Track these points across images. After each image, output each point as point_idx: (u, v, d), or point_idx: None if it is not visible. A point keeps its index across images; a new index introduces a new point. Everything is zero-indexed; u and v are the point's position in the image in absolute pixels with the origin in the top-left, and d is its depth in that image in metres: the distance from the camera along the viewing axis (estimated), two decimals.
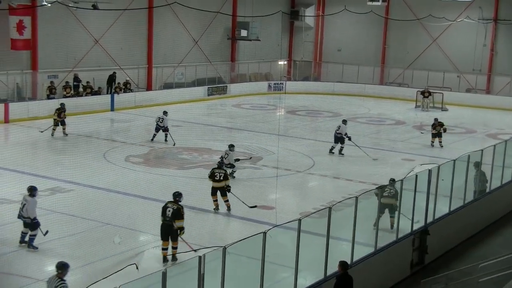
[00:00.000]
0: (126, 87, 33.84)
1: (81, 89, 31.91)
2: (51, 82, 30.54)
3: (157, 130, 24.84)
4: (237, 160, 20.14)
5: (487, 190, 17.62)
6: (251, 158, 21.73)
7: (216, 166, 17.49)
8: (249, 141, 25.97)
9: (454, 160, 15.53)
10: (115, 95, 32.37)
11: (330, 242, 11.14)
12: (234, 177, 19.61)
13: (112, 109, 31.87)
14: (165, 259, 13.01)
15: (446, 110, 36.86)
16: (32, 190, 13.87)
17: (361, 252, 12.33)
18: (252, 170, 21.23)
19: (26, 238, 13.65)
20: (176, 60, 37.56)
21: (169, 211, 13.14)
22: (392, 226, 13.95)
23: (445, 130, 26.21)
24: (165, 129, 24.73)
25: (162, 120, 24.71)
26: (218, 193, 16.56)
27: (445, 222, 15.10)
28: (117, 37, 33.86)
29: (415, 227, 13.90)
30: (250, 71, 42.77)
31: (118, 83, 33.29)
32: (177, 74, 37.71)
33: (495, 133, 30.05)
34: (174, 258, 13.08)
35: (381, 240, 12.81)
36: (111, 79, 33.25)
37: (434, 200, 14.60)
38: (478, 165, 17.10)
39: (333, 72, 44.28)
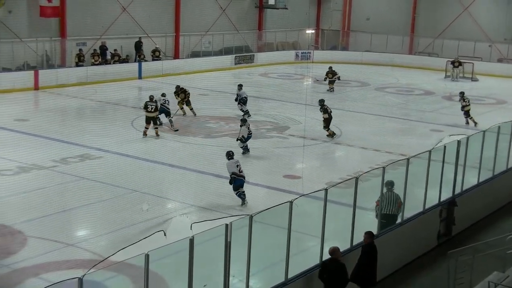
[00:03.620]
0: (154, 55, 33.90)
1: (108, 57, 32.04)
2: (80, 50, 30.71)
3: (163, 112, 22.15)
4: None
5: None
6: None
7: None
8: (276, 111, 25.90)
9: (484, 131, 15.31)
10: (143, 63, 32.46)
11: (357, 212, 11.12)
12: (245, 152, 18.88)
13: (140, 77, 31.98)
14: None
15: (476, 80, 36.26)
16: None
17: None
18: (279, 140, 21.22)
19: None
20: (203, 28, 37.43)
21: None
22: None
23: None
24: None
25: (168, 103, 22.56)
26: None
27: (473, 193, 14.97)
28: (144, 5, 33.83)
29: (442, 198, 13.80)
30: (277, 40, 42.45)
31: (142, 50, 33.27)
32: (204, 42, 37.61)
33: None
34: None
35: (408, 210, 12.76)
36: (138, 45, 33.30)
37: (463, 171, 14.45)
38: None
39: (361, 41, 43.73)
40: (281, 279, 9.67)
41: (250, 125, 19.31)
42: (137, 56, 33.12)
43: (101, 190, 15.25)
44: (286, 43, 43.01)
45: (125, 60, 32.64)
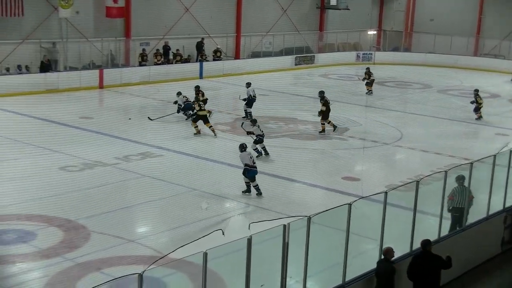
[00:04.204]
0: (216, 55, 34.23)
1: (171, 57, 32.55)
2: (143, 50, 31.31)
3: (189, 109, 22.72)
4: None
5: None
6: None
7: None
8: (336, 112, 25.69)
9: None
10: (204, 63, 32.82)
11: (417, 217, 10.93)
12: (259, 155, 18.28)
13: (201, 77, 32.34)
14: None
15: None
16: None
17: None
18: (339, 141, 21.07)
19: None
20: (264, 29, 37.54)
21: None
22: None
23: None
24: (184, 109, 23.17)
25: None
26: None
27: None
28: (207, 5, 34.19)
29: (507, 204, 13.40)
30: (338, 41, 42.16)
31: (203, 50, 33.65)
32: (265, 43, 37.72)
33: None
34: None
35: (472, 216, 12.46)
36: (199, 46, 33.70)
37: None
38: None
39: (424, 43, 42.90)
40: (339, 281, 9.60)
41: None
42: (199, 56, 33.52)
43: (161, 188, 15.50)
44: (347, 44, 42.66)
45: (187, 60, 33.08)
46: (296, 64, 37.88)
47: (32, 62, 27.35)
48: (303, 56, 38.63)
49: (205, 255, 7.60)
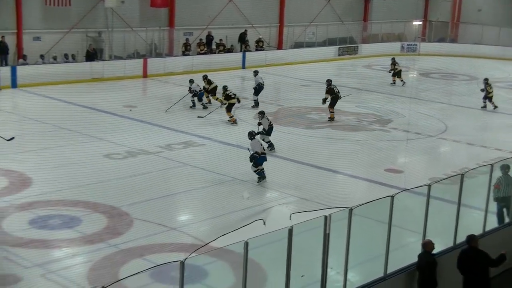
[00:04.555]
0: (258, 45, 34.22)
1: (214, 47, 32.67)
2: (187, 39, 31.51)
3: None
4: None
5: None
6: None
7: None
8: (379, 103, 25.48)
9: None
10: (247, 53, 32.86)
11: (461, 210, 10.75)
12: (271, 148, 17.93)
13: (244, 67, 32.38)
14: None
15: None
16: None
17: (495, 222, 11.84)
18: (381, 133, 20.86)
19: None
20: (307, 19, 37.33)
21: None
22: None
23: None
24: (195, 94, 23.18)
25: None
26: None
27: None
28: None
29: None
30: (382, 31, 41.64)
31: (247, 40, 33.67)
32: (308, 33, 37.52)
33: None
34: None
35: None
36: (242, 37, 33.73)
37: None
38: None
39: (471, 34, 42.00)
40: (380, 273, 9.52)
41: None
42: (243, 46, 33.57)
43: (203, 176, 15.61)
44: (392, 34, 42.10)
45: (230, 50, 33.16)
46: (339, 55, 37.59)
47: (78, 51, 27.81)
48: (347, 46, 38.31)
49: (246, 244, 7.62)
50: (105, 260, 11.04)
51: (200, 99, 22.94)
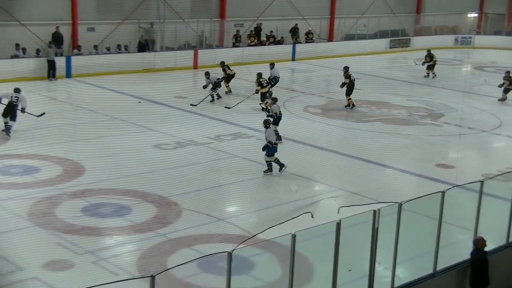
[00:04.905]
0: (308, 37, 34.06)
1: (264, 38, 32.67)
2: (237, 31, 31.59)
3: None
4: None
5: None
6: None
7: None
8: (431, 97, 25.06)
9: None
10: (297, 45, 32.75)
11: None
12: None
13: (293, 59, 32.29)
14: None
15: None
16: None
17: None
18: (433, 127, 20.51)
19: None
20: (359, 11, 36.94)
21: None
22: None
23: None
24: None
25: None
26: None
27: None
28: None
29: None
30: (436, 24, 40.86)
31: (298, 33, 33.52)
32: (359, 25, 37.12)
33: None
34: None
35: None
36: (294, 30, 33.63)
37: None
38: None
39: None
40: (429, 270, 9.39)
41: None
42: (294, 39, 33.48)
43: (252, 168, 15.65)
44: (445, 27, 41.26)
45: (280, 42, 33.10)
46: (390, 47, 37.09)
47: (131, 42, 28.23)
48: (399, 39, 37.75)
49: (294, 237, 7.61)
50: (154, 249, 11.20)
51: (215, 90, 22.52)
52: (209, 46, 30.75)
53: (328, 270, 8.26)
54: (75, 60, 25.57)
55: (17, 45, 25.00)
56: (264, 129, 15.52)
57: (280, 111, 17.80)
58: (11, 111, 17.30)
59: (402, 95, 24.16)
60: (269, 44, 32.38)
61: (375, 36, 37.18)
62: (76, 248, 11.00)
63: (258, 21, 32.73)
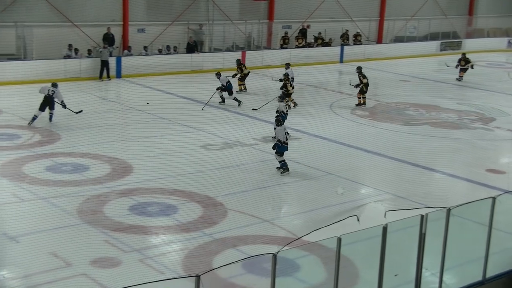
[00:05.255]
0: (356, 39, 33.81)
1: (312, 40, 32.57)
2: (285, 33, 31.58)
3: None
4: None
5: None
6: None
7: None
8: (482, 101, 24.55)
9: None
10: (345, 47, 32.55)
11: None
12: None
13: (341, 61, 32.10)
14: None
15: None
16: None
17: None
18: (483, 131, 20.09)
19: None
20: (409, 13, 36.47)
21: None
22: None
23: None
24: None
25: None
26: None
27: None
28: None
29: None
30: (488, 26, 40.00)
31: (347, 31, 33.32)
32: (409, 27, 36.64)
33: None
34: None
35: None
36: (343, 35, 33.44)
37: None
38: None
39: None
40: (478, 277, 9.20)
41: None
42: (342, 41, 33.32)
43: (298, 170, 15.60)
44: (499, 29, 40.35)
45: (328, 44, 32.94)
46: (441, 50, 36.48)
47: (179, 43, 28.53)
48: (449, 41, 37.10)
49: (339, 240, 7.57)
50: (199, 248, 11.28)
51: (230, 93, 21.97)
52: (257, 48, 30.84)
53: (374, 275, 8.18)
54: (125, 60, 25.99)
55: (69, 45, 25.57)
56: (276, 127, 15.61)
57: (287, 110, 18.21)
58: (49, 103, 18.56)
59: (452, 98, 23.75)
60: (317, 46, 32.27)
61: (425, 38, 36.63)
62: (123, 246, 11.17)
63: (306, 23, 32.66)
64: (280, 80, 21.96)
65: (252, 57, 29.13)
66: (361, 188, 14.94)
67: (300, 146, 17.58)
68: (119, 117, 19.89)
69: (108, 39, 26.37)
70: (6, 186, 13.61)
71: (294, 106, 21.57)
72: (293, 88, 21.78)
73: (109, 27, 26.68)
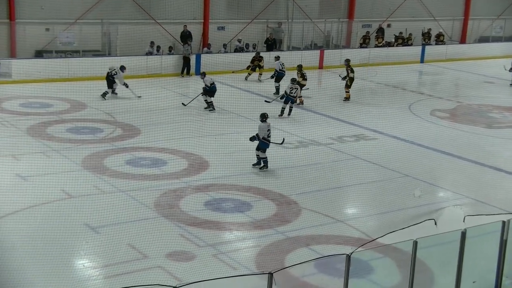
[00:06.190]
0: (439, 39, 33.01)
1: (392, 40, 32.04)
2: (367, 32, 31.23)
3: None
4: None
5: None
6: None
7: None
8: None
9: None
10: (427, 47, 31.85)
11: None
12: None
13: (422, 61, 31.43)
14: None
15: None
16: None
17: None
18: None
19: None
20: (495, 12, 35.26)
21: None
22: None
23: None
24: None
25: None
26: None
27: None
28: None
29: None
30: None
31: (429, 30, 32.55)
32: (495, 27, 35.43)
33: None
34: None
35: None
36: (424, 34, 32.72)
37: None
38: None
39: None
40: None
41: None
42: (424, 40, 32.61)
43: (373, 171, 15.41)
44: None
45: (408, 43, 32.31)
46: None
47: (258, 41, 28.68)
48: None
49: (415, 243, 7.43)
50: (272, 246, 11.32)
51: (212, 95, 20.55)
52: (336, 47, 30.61)
53: (450, 280, 7.98)
54: (204, 58, 26.36)
55: (151, 42, 26.18)
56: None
57: (291, 90, 19.70)
58: (109, 81, 21.19)
59: None
60: (397, 45, 31.71)
61: (511, 38, 35.34)
62: (197, 241, 11.35)
63: (387, 22, 32.14)
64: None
65: (330, 56, 28.93)
66: (439, 191, 14.58)
67: (377, 146, 17.34)
68: (196, 114, 20.20)
69: (185, 36, 26.79)
70: (89, 178, 14.08)
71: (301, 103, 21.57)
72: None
73: (185, 25, 27.11)
